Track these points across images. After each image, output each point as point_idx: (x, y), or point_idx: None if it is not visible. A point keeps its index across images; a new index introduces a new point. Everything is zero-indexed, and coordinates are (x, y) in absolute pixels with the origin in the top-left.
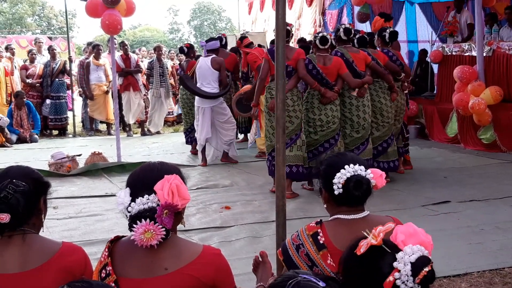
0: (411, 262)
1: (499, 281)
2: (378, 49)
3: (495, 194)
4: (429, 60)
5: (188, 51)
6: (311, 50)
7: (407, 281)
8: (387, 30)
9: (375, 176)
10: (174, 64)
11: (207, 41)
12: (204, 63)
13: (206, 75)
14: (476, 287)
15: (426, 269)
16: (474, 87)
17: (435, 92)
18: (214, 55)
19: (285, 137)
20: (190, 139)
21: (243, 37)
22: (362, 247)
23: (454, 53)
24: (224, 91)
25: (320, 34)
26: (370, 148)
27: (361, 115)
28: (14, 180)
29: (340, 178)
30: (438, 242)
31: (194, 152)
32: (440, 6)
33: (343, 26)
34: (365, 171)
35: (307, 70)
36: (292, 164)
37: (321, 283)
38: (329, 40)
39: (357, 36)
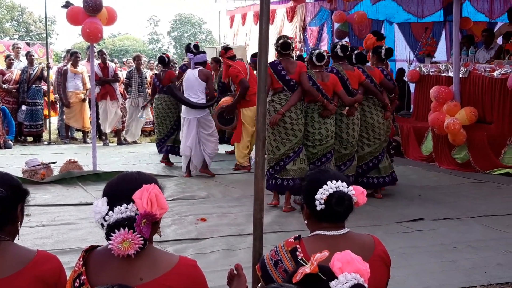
0: None
1: None
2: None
3: (468, 213)
4: (406, 79)
5: (168, 62)
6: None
7: None
8: (383, 47)
9: (356, 193)
10: (153, 74)
11: (195, 55)
12: (191, 75)
13: (193, 86)
14: None
15: None
16: (449, 107)
17: (411, 110)
18: (201, 67)
19: (264, 151)
20: (164, 149)
21: (227, 48)
22: (298, 275)
23: (431, 73)
24: (211, 102)
25: (317, 51)
26: (354, 165)
27: (350, 132)
28: None
29: (322, 194)
30: (412, 259)
31: (163, 162)
32: (419, 26)
33: (340, 43)
34: (347, 187)
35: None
36: (296, 177)
37: None
38: (325, 57)
39: (355, 52)
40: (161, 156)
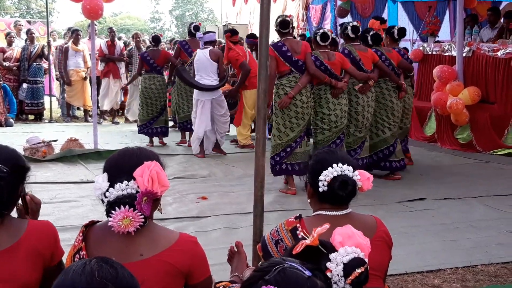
0: (343, 263)
1: (472, 278)
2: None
3: (470, 193)
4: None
5: (159, 41)
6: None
7: (339, 281)
8: (395, 27)
9: (362, 178)
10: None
11: (204, 34)
12: (202, 56)
13: (205, 67)
14: (449, 283)
15: (359, 270)
16: (452, 87)
17: (414, 90)
18: (211, 47)
19: (265, 128)
20: (150, 131)
21: (235, 32)
22: (298, 247)
23: (434, 53)
24: (222, 82)
25: (321, 31)
26: (367, 146)
27: (365, 115)
28: None
29: (326, 176)
30: (413, 238)
31: (150, 145)
32: (422, 5)
33: (350, 23)
34: (353, 172)
35: (315, 66)
36: (301, 161)
37: (307, 272)
38: (330, 37)
39: (370, 33)
40: (140, 134)
